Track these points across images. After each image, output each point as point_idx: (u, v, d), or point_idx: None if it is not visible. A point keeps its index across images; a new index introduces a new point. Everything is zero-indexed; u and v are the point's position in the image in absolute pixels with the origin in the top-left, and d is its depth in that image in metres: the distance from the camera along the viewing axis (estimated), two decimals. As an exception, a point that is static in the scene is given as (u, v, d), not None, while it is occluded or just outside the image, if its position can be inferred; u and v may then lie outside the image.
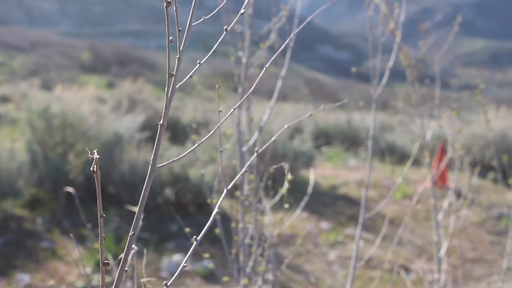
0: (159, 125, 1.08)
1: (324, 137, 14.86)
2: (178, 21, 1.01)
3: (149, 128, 10.70)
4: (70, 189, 3.07)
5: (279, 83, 3.27)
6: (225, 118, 1.18)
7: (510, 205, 8.18)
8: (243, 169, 1.28)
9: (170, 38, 1.00)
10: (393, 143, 14.53)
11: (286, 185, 2.53)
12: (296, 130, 13.02)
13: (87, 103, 9.00)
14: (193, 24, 1.06)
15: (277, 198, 3.22)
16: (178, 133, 12.42)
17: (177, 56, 1.03)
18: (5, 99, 20.68)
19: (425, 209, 8.76)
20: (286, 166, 2.24)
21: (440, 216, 3.36)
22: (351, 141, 14.78)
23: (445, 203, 3.85)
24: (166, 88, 1.05)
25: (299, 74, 66.47)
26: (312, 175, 8.16)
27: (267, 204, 3.16)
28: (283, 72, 3.21)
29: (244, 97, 1.22)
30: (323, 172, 11.17)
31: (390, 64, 3.39)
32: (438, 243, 3.55)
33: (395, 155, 13.68)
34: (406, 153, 13.63)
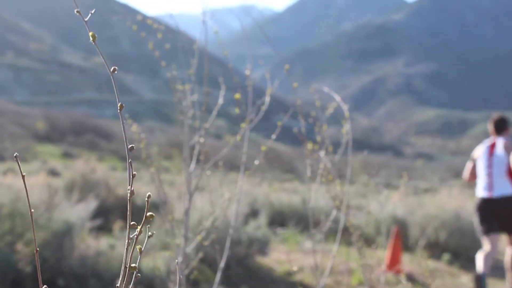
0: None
1: (279, 218, 14.67)
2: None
3: (102, 212, 10.50)
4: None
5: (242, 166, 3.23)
6: None
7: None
8: None
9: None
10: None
11: None
12: (252, 213, 12.86)
13: (38, 190, 8.82)
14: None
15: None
16: (131, 215, 12.19)
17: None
18: (-46, 175, 20.16)
19: (381, 295, 8.69)
20: None
21: None
22: (306, 221, 14.62)
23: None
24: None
25: (255, 143, 66.91)
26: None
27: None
28: (245, 148, 3.17)
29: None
30: (278, 256, 11.04)
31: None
32: None
33: (350, 235, 13.56)
34: (362, 233, 13.54)
